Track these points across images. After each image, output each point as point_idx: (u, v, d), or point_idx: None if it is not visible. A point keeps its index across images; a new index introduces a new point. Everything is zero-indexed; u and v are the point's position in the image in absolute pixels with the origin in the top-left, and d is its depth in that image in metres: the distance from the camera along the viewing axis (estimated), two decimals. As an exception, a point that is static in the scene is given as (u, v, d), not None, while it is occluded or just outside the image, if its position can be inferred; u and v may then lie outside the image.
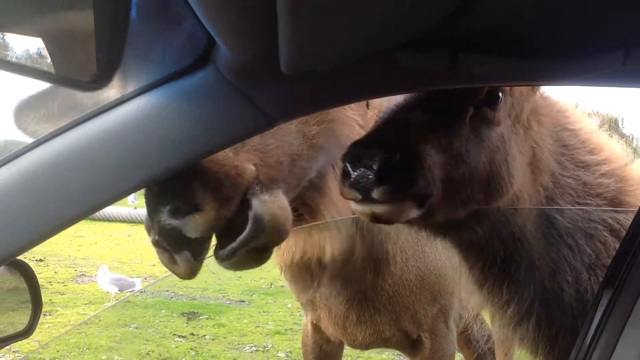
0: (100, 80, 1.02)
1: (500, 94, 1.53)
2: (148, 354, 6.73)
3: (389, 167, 1.32)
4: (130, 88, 1.12)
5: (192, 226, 1.35)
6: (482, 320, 4.46)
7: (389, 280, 2.71)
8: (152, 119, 1.10)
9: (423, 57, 1.12)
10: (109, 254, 13.88)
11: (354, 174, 1.34)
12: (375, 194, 1.33)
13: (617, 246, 1.65)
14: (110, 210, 16.98)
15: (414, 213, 1.41)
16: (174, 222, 1.36)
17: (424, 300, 2.89)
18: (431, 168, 1.39)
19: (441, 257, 2.88)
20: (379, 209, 1.38)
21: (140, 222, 20.02)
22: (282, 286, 9.49)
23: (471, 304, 1.99)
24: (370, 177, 1.32)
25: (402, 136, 1.40)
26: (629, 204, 1.78)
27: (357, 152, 1.36)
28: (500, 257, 1.70)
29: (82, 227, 15.21)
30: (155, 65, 1.13)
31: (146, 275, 11.82)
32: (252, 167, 1.50)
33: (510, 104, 1.60)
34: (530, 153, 1.68)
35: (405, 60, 1.12)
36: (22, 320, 1.81)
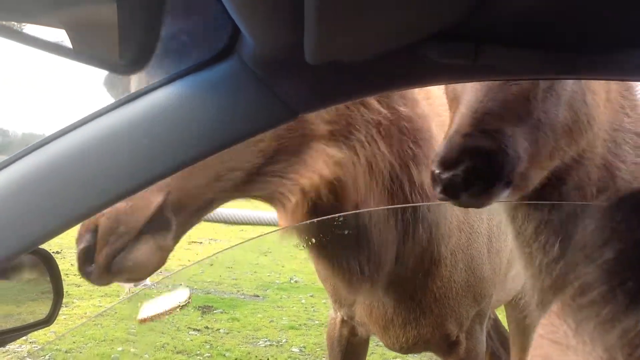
0: (136, 63, 1.03)
1: None
2: (163, 346, 6.76)
3: (475, 171, 1.43)
4: (155, 78, 1.12)
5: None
6: (496, 317, 4.46)
7: (437, 282, 2.67)
8: (177, 109, 1.10)
9: (448, 49, 1.11)
10: (124, 247, 13.94)
11: (442, 179, 1.44)
12: (464, 197, 1.45)
13: None
14: (126, 203, 17.07)
15: (505, 194, 1.50)
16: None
17: (467, 303, 2.85)
18: (513, 147, 1.47)
19: (485, 260, 2.85)
20: (469, 202, 1.51)
21: (156, 216, 20.20)
22: (295, 282, 9.53)
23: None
24: (458, 182, 1.43)
25: (485, 130, 1.48)
26: None
27: (444, 159, 1.46)
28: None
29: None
30: (179, 56, 1.13)
31: (161, 268, 11.87)
32: (157, 201, 1.60)
33: None
34: (607, 85, 1.67)
35: (431, 52, 1.11)
36: (42, 310, 1.83)
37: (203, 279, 9.56)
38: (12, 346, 6.42)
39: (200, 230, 17.13)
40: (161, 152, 1.10)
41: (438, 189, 1.46)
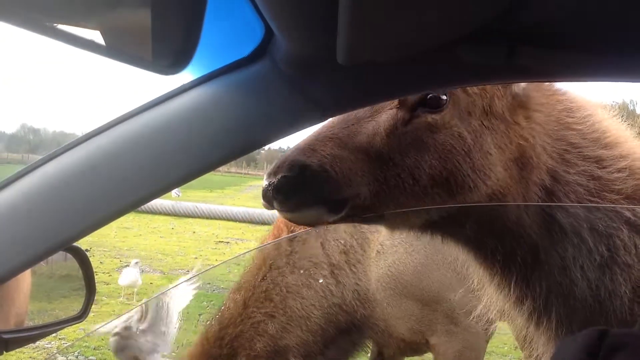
0: (177, 65, 1.04)
1: (445, 97, 1.58)
2: (190, 344, 6.81)
3: (286, 181, 1.53)
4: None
5: None
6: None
7: None
8: (209, 109, 1.11)
9: (481, 50, 1.10)
10: (152, 246, 14.13)
11: (263, 188, 1.57)
12: (275, 204, 1.56)
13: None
14: (155, 202, 17.28)
15: (329, 217, 1.59)
16: None
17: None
18: (341, 171, 1.54)
19: None
20: (286, 215, 1.62)
21: (183, 215, 20.36)
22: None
23: (487, 304, 1.96)
24: (271, 190, 1.54)
25: (315, 151, 1.58)
26: None
27: (271, 168, 1.59)
28: (499, 253, 1.68)
29: (127, 219, 15.52)
30: (212, 57, 1.15)
31: (188, 268, 11.99)
32: None
33: (468, 102, 1.61)
34: (515, 149, 1.65)
35: (463, 53, 1.11)
36: (74, 306, 1.85)
37: (230, 279, 9.61)
38: (41, 342, 6.52)
39: (227, 231, 17.26)
40: (194, 150, 1.11)
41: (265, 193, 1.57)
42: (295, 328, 3.11)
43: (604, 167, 1.69)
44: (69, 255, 1.76)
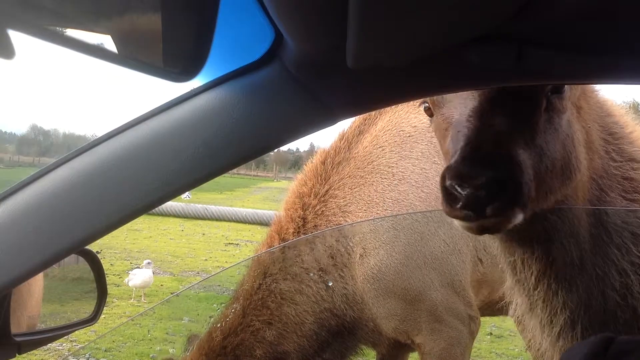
0: (188, 72, 1.05)
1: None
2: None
3: (498, 182, 1.31)
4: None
5: None
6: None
7: None
8: (220, 113, 1.12)
9: (489, 53, 1.10)
10: (163, 248, 14.17)
11: (463, 194, 1.31)
12: (489, 210, 1.31)
13: None
14: (165, 204, 17.33)
15: (520, 218, 1.38)
16: None
17: None
18: (528, 170, 1.37)
19: None
20: (488, 222, 1.36)
21: (193, 217, 20.41)
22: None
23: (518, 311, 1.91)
24: (482, 195, 1.30)
25: (498, 145, 1.38)
26: None
27: (462, 171, 1.33)
28: (558, 246, 1.62)
29: (137, 221, 15.54)
30: (223, 62, 1.15)
31: (199, 270, 12.02)
32: None
33: (570, 87, 1.55)
34: (584, 132, 1.61)
35: (472, 57, 1.11)
36: (85, 309, 1.87)
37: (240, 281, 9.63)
38: (53, 344, 6.56)
39: (237, 232, 17.29)
40: (205, 155, 1.12)
41: (457, 205, 1.33)
42: (291, 334, 3.20)
43: (635, 169, 1.68)
44: (81, 258, 1.78)
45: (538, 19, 1.01)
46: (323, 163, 3.62)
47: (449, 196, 1.34)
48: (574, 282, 1.63)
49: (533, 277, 1.69)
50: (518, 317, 1.89)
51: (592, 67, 1.17)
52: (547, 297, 1.67)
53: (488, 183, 1.30)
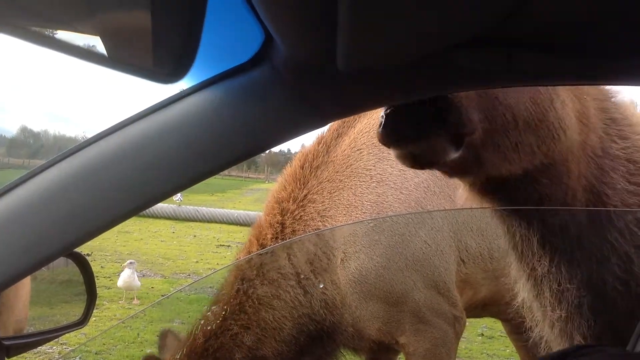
0: (176, 73, 1.05)
1: None
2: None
3: (419, 108, 1.36)
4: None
5: None
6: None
7: None
8: (209, 114, 1.12)
9: (480, 56, 1.11)
10: (153, 250, 14.14)
11: (388, 120, 1.40)
12: (407, 131, 1.40)
13: None
14: (155, 206, 17.31)
15: (452, 153, 1.44)
16: None
17: None
18: (465, 107, 1.41)
19: None
20: (413, 148, 1.43)
21: (184, 219, 20.39)
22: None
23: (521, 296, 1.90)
24: (402, 118, 1.37)
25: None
26: None
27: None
28: (555, 221, 1.62)
29: (128, 223, 15.56)
30: (212, 64, 1.15)
31: (190, 272, 11.99)
32: None
33: None
34: (578, 103, 1.61)
35: (462, 59, 1.11)
36: (74, 312, 1.86)
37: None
38: (43, 347, 6.52)
39: (228, 234, 17.27)
40: (194, 157, 1.11)
41: (383, 130, 1.41)
42: (270, 339, 3.22)
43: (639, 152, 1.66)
44: (70, 261, 1.77)
45: (528, 21, 1.02)
46: (302, 167, 3.63)
47: (380, 126, 1.41)
48: (574, 257, 1.63)
49: (534, 252, 1.69)
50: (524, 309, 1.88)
51: (583, 68, 1.17)
52: (551, 271, 1.67)
53: (409, 108, 1.37)
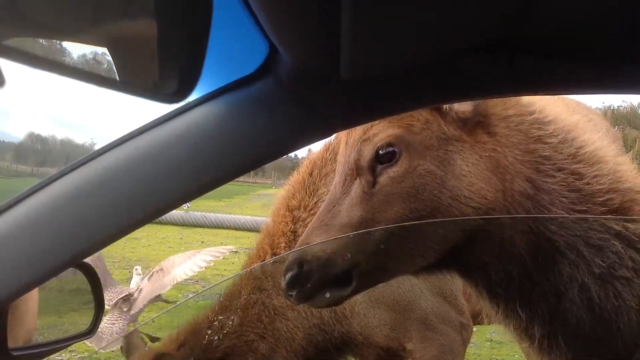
0: (180, 94, 1.06)
1: (392, 147, 1.63)
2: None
3: (293, 278, 1.70)
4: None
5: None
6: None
7: None
8: (215, 126, 1.12)
9: (484, 63, 1.11)
10: (162, 257, 14.13)
11: (284, 282, 1.73)
12: (294, 298, 1.73)
13: (635, 258, 1.57)
14: (163, 213, 17.30)
15: (344, 292, 1.70)
16: None
17: None
18: (339, 253, 1.65)
19: None
20: (308, 304, 1.82)
21: (191, 225, 20.36)
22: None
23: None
24: (286, 288, 1.73)
25: (309, 243, 1.72)
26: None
27: (283, 270, 1.74)
28: (499, 277, 1.65)
29: (136, 230, 15.55)
30: (217, 75, 1.16)
31: (197, 278, 11.99)
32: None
33: (421, 139, 1.64)
34: (488, 161, 1.64)
35: (465, 66, 1.11)
36: (83, 320, 1.86)
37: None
38: (52, 355, 6.53)
39: (235, 240, 17.26)
40: (201, 168, 1.12)
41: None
42: (282, 349, 3.25)
43: (583, 180, 1.65)
44: (78, 270, 1.77)
45: (530, 29, 1.02)
46: (310, 174, 3.62)
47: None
48: (531, 298, 1.65)
49: (488, 302, 1.75)
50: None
51: (583, 76, 1.17)
52: (509, 314, 1.71)
53: (288, 280, 1.70)
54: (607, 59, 1.12)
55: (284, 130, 1.17)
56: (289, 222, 3.50)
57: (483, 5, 0.91)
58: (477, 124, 1.67)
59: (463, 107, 1.65)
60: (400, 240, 1.63)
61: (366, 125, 1.69)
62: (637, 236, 1.61)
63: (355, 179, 1.68)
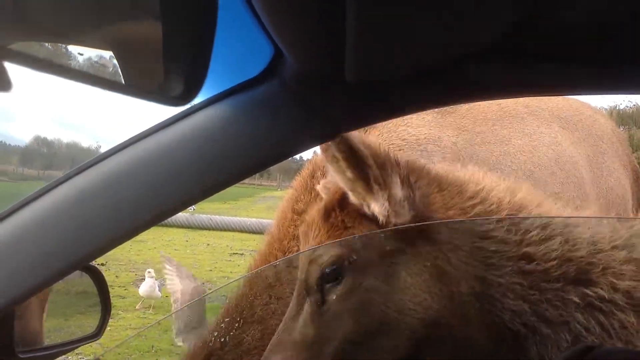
0: (185, 97, 1.06)
1: (337, 267, 1.63)
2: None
3: None
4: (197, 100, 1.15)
5: None
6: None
7: None
8: (220, 129, 1.13)
9: (488, 67, 1.11)
10: (167, 259, 14.15)
11: None
12: None
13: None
14: (169, 216, 17.32)
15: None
16: None
17: None
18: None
19: None
20: None
21: (197, 228, 20.37)
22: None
23: None
24: None
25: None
26: None
27: None
28: None
29: (142, 232, 15.58)
30: (222, 78, 1.16)
31: (203, 280, 12.00)
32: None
33: (366, 257, 1.63)
34: (432, 269, 1.61)
35: (470, 70, 1.11)
36: (90, 323, 1.87)
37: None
38: (58, 358, 6.55)
39: (241, 242, 17.28)
40: (206, 170, 1.13)
41: None
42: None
43: (533, 262, 1.59)
44: (84, 273, 1.78)
45: (532, 30, 1.02)
46: (312, 177, 3.60)
47: None
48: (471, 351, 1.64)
49: None
50: None
51: (584, 76, 1.17)
52: None
53: None
54: (607, 59, 1.12)
55: (289, 132, 1.17)
56: (298, 226, 3.48)
57: (487, 10, 0.91)
58: (418, 234, 1.62)
59: (401, 218, 1.62)
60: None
61: (315, 245, 1.73)
62: (599, 300, 1.54)
63: (306, 297, 1.70)
